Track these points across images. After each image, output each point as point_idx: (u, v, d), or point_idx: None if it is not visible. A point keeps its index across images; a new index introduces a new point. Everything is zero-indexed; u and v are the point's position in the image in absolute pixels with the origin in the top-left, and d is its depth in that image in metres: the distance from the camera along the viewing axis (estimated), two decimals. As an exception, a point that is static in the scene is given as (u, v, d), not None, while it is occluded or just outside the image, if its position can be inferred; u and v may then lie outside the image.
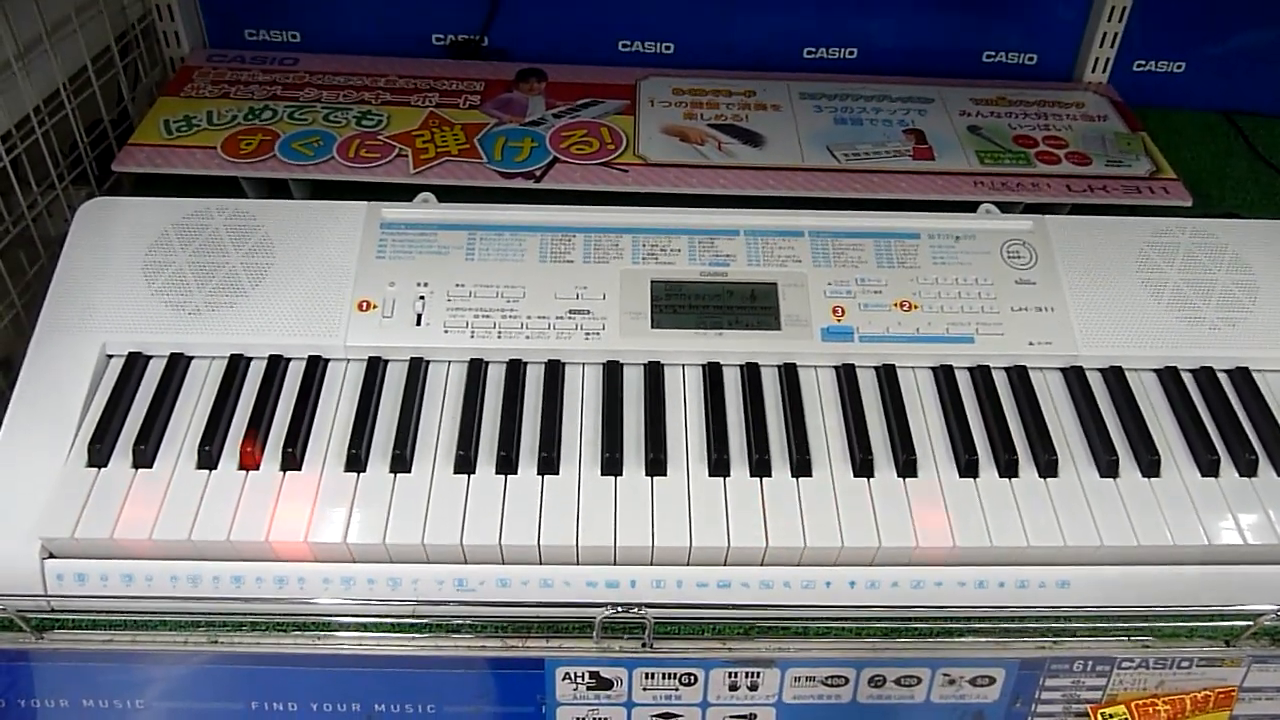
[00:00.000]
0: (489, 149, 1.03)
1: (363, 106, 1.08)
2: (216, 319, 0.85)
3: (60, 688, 0.76)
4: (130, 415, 0.80)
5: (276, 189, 1.04)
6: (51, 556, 0.75)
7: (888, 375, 0.85)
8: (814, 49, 1.20)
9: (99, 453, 0.77)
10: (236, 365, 0.83)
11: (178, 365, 0.83)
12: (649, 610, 0.74)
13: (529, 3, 1.17)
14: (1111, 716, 0.79)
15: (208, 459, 0.78)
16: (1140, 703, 0.79)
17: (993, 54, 1.21)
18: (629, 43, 1.20)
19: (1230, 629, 0.78)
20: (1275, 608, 0.76)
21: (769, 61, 1.19)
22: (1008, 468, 0.79)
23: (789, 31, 1.19)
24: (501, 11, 1.17)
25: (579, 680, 0.77)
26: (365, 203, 0.91)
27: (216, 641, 0.75)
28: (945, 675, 0.79)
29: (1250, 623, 0.77)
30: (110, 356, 0.84)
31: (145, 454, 0.78)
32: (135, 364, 0.83)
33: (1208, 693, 0.80)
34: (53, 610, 0.75)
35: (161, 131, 1.04)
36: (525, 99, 1.11)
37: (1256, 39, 1.20)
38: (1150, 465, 0.80)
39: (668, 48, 1.20)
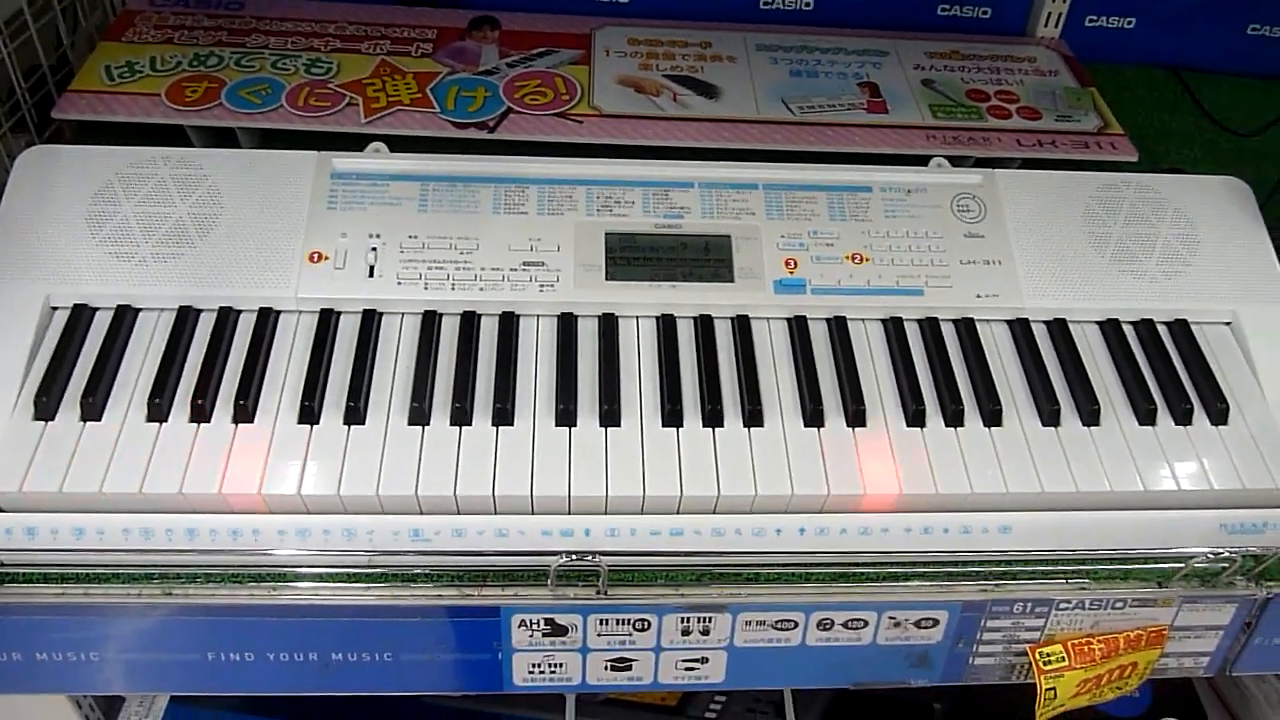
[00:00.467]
0: (441, 98, 1.01)
1: (312, 54, 1.05)
2: (164, 270, 0.83)
3: (12, 641, 0.76)
4: (77, 368, 0.79)
5: (223, 138, 1.02)
6: (0, 510, 0.74)
7: (838, 327, 0.86)
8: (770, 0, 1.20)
9: (45, 405, 0.76)
10: (186, 317, 0.82)
11: (125, 317, 0.82)
12: (603, 558, 0.75)
13: (483, -53, 1.15)
14: (1049, 655, 0.83)
15: (158, 411, 0.77)
16: (1076, 642, 0.83)
17: (947, 7, 1.21)
18: (584, -10, 1.18)
19: (1163, 571, 0.81)
20: (1206, 550, 0.79)
21: (726, 11, 1.18)
22: (953, 417, 0.81)
23: (745, -20, 1.18)
24: (455, -44, 1.15)
25: (534, 627, 0.79)
26: (315, 152, 0.89)
27: (171, 593, 0.75)
28: (891, 618, 0.81)
29: (1182, 565, 0.80)
30: (55, 309, 0.82)
31: (94, 406, 0.77)
32: (81, 316, 0.82)
33: (1140, 632, 0.83)
34: (3, 564, 0.75)
35: (103, 78, 1.01)
36: (479, 48, 1.09)
37: (1204, -6, 1.22)
38: (1090, 414, 0.82)
39: (623, -4, 1.19)
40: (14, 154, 1.01)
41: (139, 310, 0.83)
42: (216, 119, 0.97)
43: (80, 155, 0.88)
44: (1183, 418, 0.83)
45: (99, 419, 0.77)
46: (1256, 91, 1.24)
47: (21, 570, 0.75)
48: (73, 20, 1.13)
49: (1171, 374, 0.85)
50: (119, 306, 0.82)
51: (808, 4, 1.20)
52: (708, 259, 0.88)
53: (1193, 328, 0.89)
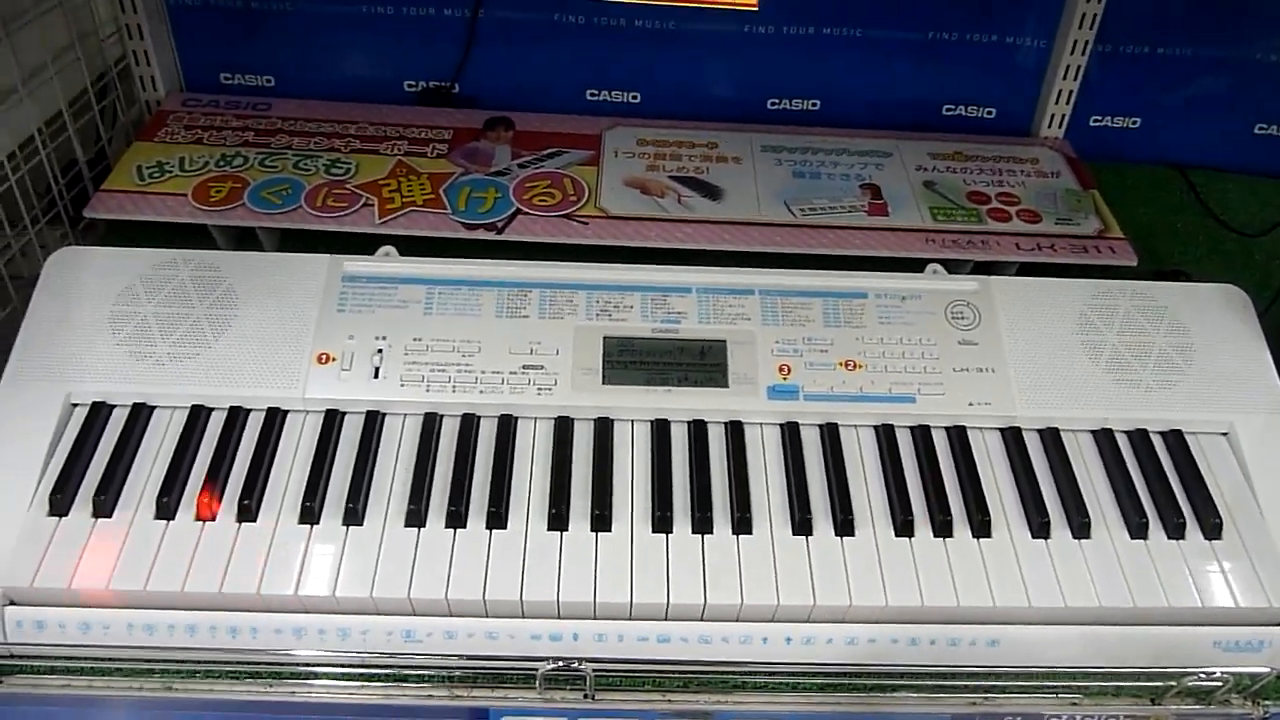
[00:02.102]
0: (454, 199, 1.05)
1: (332, 154, 1.10)
2: (179, 369, 0.87)
3: (19, 731, 0.79)
4: (92, 464, 0.83)
5: (246, 235, 1.07)
6: (12, 604, 0.77)
7: (830, 434, 0.87)
8: (778, 100, 1.23)
9: (60, 502, 0.80)
10: (198, 416, 0.86)
11: (140, 415, 0.86)
12: (589, 664, 0.77)
13: (499, 51, 1.20)
14: (1040, 770, 0.82)
15: (166, 510, 0.80)
16: (1068, 757, 0.82)
17: (952, 107, 1.24)
18: (596, 91, 1.22)
19: (1154, 688, 0.80)
20: (1199, 669, 0.78)
21: (733, 112, 1.21)
22: (942, 528, 0.82)
23: (753, 83, 1.21)
24: (472, 59, 1.20)
25: (522, 730, 0.80)
26: (327, 255, 0.93)
27: (171, 688, 0.78)
28: (879, 730, 0.81)
29: (1174, 683, 0.79)
30: (75, 405, 0.86)
31: (105, 504, 0.80)
32: (99, 413, 0.85)
33: (1134, 749, 0.82)
34: (11, 656, 0.78)
35: (134, 177, 1.06)
36: (492, 148, 1.13)
37: (1209, 94, 1.23)
38: (1081, 527, 0.82)
39: (634, 97, 1.23)
40: (48, 245, 1.07)
41: (154, 408, 0.86)
42: (239, 219, 1.02)
43: (106, 257, 0.93)
44: (1175, 531, 0.83)
45: (110, 516, 0.80)
46: (1264, 191, 1.25)
47: (30, 663, 0.78)
48: (111, 116, 1.20)
49: (1165, 486, 0.85)
50: (135, 404, 0.86)
51: (814, 104, 1.23)
52: (703, 364, 0.90)
53: (1188, 438, 0.89)
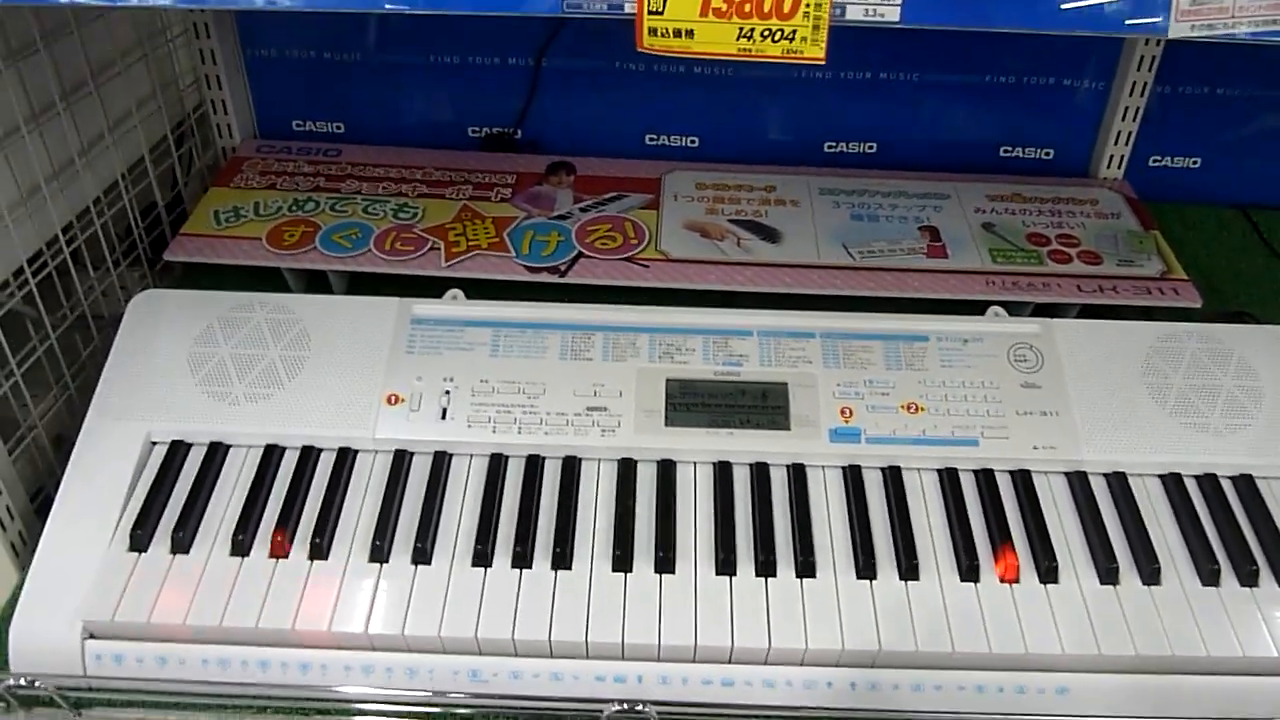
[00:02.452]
0: (517, 243, 1.08)
1: (400, 199, 1.13)
2: (255, 410, 0.90)
3: (96, 763, 0.81)
4: (170, 502, 0.85)
5: (316, 277, 1.10)
6: (92, 637, 0.79)
7: (893, 477, 0.87)
8: (835, 143, 1.24)
9: (139, 538, 0.82)
10: (271, 455, 0.88)
11: (216, 453, 0.88)
12: (653, 707, 0.77)
13: (561, 97, 1.23)
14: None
15: (240, 547, 0.82)
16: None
17: (1010, 149, 1.24)
18: (655, 136, 1.25)
19: (1229, 740, 0.79)
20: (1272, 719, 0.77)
21: (791, 155, 1.23)
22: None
23: (811, 126, 1.23)
24: (534, 105, 1.23)
25: (585, 770, 0.80)
26: (397, 299, 0.96)
27: (243, 722, 0.80)
28: (945, 777, 0.80)
29: (1250, 736, 0.78)
30: (154, 444, 0.89)
31: (183, 541, 0.82)
32: (177, 452, 0.88)
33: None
34: (90, 689, 0.80)
35: (211, 222, 1.10)
36: (554, 192, 1.16)
37: (1268, 133, 1.22)
38: (1151, 574, 0.81)
39: (693, 141, 1.25)
40: (128, 286, 1.11)
41: (229, 446, 0.89)
42: (310, 262, 1.06)
43: (186, 299, 0.96)
44: (1248, 579, 0.81)
45: (187, 552, 0.82)
46: (1329, 230, 1.23)
47: (108, 695, 0.80)
48: (188, 161, 1.24)
49: (1236, 532, 0.84)
50: (212, 443, 0.89)
51: (870, 148, 1.24)
52: (765, 406, 0.90)
53: (1258, 482, 0.87)
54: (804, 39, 0.65)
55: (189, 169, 1.25)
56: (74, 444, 0.98)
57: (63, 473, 0.87)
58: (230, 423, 0.89)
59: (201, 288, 1.03)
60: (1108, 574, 0.81)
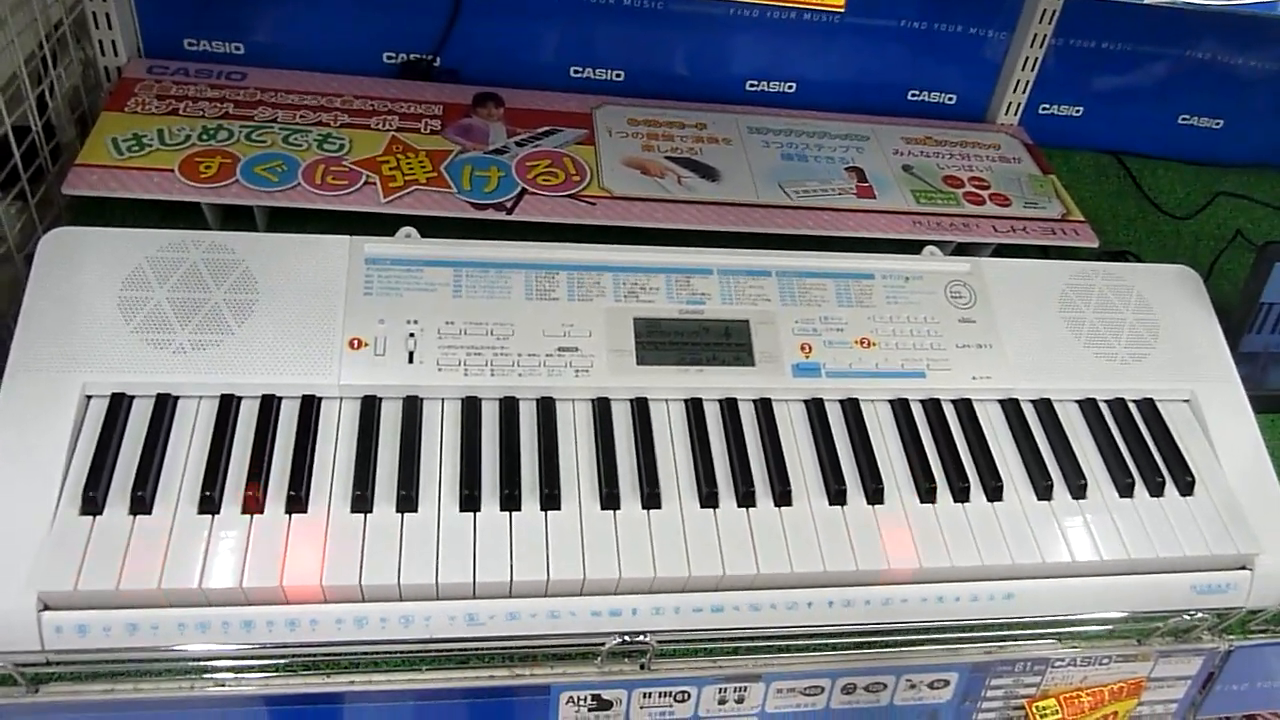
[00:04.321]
0: (457, 178, 1.04)
1: (322, 129, 1.06)
2: (203, 358, 0.84)
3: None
4: (121, 460, 0.79)
5: (234, 213, 1.02)
6: (48, 608, 0.73)
7: (853, 409, 0.92)
8: (756, 81, 1.26)
9: (93, 500, 0.76)
10: (229, 406, 0.83)
11: (165, 406, 0.82)
12: (652, 637, 0.80)
13: (481, 25, 1.18)
14: (1044, 709, 0.91)
15: (210, 504, 0.77)
16: (1067, 696, 0.91)
17: (916, 93, 1.30)
18: (580, 69, 1.22)
19: (1142, 629, 0.90)
20: (1184, 610, 0.88)
21: (714, 92, 1.24)
22: (960, 494, 0.89)
23: (732, 64, 1.24)
24: (455, 31, 1.18)
25: (581, 703, 0.82)
26: (348, 237, 0.91)
27: (225, 685, 0.76)
28: (908, 680, 0.88)
29: (1160, 624, 0.89)
30: (90, 398, 0.82)
31: (144, 500, 0.77)
32: (120, 405, 0.81)
33: (1122, 684, 0.92)
34: (48, 663, 0.74)
35: (111, 151, 1.00)
36: (486, 125, 1.12)
37: (1141, 86, 1.34)
38: (1078, 489, 0.91)
39: (618, 75, 1.23)
40: (5, 221, 0.99)
41: (178, 398, 0.83)
42: (236, 197, 0.98)
43: (107, 238, 0.87)
44: (1156, 490, 0.92)
45: (149, 512, 0.77)
46: (1187, 175, 1.38)
47: (69, 669, 0.74)
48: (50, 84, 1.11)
49: (1144, 450, 0.94)
50: (159, 395, 0.82)
51: (790, 87, 1.27)
52: (729, 343, 0.93)
53: (1159, 406, 0.98)
54: (828, -14, 0.66)
55: (50, 92, 1.12)
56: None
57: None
58: (176, 373, 0.83)
59: (94, 224, 0.93)
60: (1044, 491, 0.90)
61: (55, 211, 1.07)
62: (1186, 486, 0.93)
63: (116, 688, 0.75)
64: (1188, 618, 0.88)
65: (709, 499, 0.84)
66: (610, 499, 0.83)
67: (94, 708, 0.75)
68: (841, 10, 0.66)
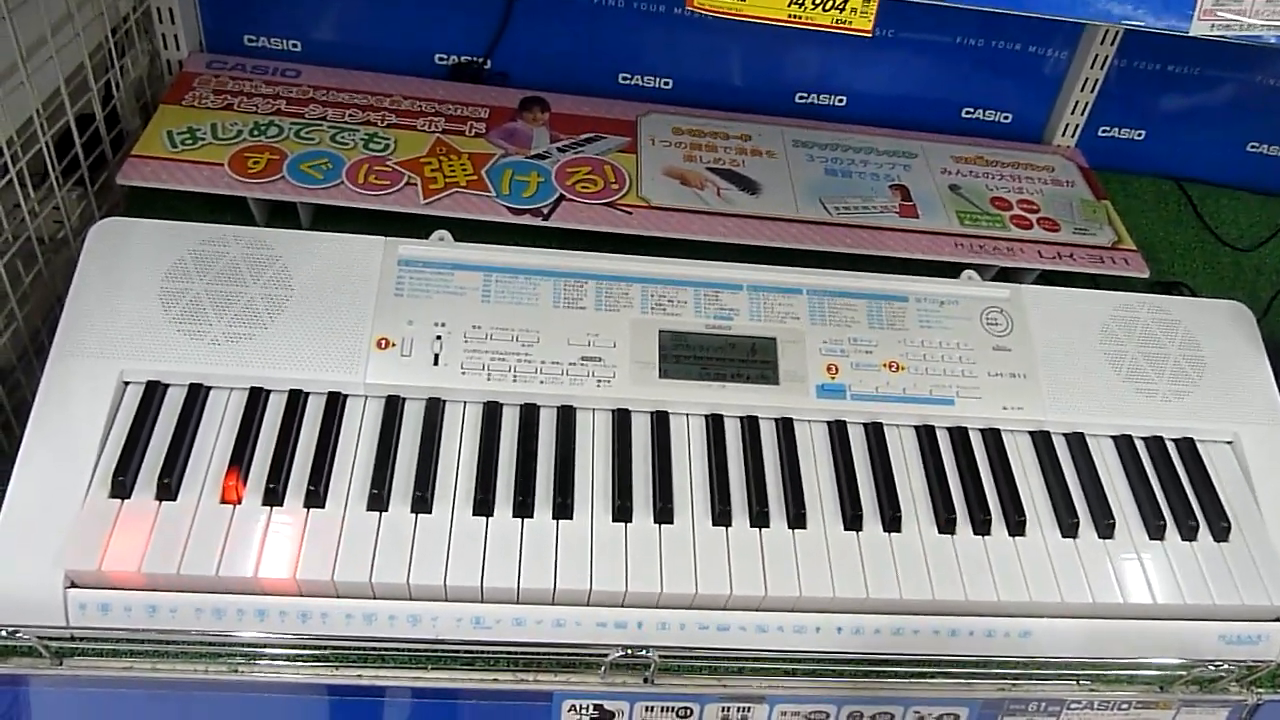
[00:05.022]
0: (496, 182, 1.05)
1: (369, 128, 1.09)
2: (236, 350, 0.86)
3: (81, 713, 0.79)
4: (152, 446, 0.82)
5: (280, 208, 1.05)
6: (74, 586, 0.76)
7: (876, 433, 0.91)
8: (805, 94, 1.25)
9: (122, 484, 0.79)
10: (257, 398, 0.85)
11: (198, 395, 0.85)
12: (654, 652, 0.80)
13: (533, 29, 1.19)
14: (1057, 750, 0.89)
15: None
16: (1083, 739, 0.89)
17: (971, 110, 1.28)
18: (629, 76, 1.23)
19: (1164, 676, 0.87)
20: (1210, 661, 0.85)
21: (762, 103, 1.23)
22: (981, 526, 0.87)
23: (782, 75, 1.23)
24: (506, 35, 1.19)
25: (583, 712, 0.83)
26: (383, 238, 0.93)
27: (237, 670, 0.78)
28: (916, 713, 0.86)
29: (1184, 672, 0.86)
30: (127, 384, 0.85)
31: (170, 487, 0.79)
32: (154, 393, 0.84)
33: (1141, 731, 0.89)
34: (73, 639, 0.77)
35: (165, 143, 1.03)
36: (529, 130, 1.13)
37: (1207, 111, 1.29)
38: (1106, 528, 0.88)
39: (666, 83, 1.23)
40: (66, 208, 1.03)
41: (210, 388, 0.86)
42: (280, 193, 1.01)
43: (153, 230, 0.91)
44: (1189, 534, 0.89)
45: (174, 499, 0.79)
46: (1253, 206, 1.32)
47: (93, 645, 0.77)
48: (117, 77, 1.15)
49: (1179, 492, 0.91)
50: (191, 385, 0.85)
51: (840, 100, 1.26)
52: (754, 360, 0.92)
53: (1198, 446, 0.95)
54: (854, 10, 0.66)
55: (117, 86, 1.16)
56: (18, 377, 0.93)
57: (10, 408, 0.82)
58: (210, 363, 0.86)
59: (149, 214, 0.97)
60: (1069, 529, 0.88)
61: (115, 200, 1.11)
62: (1222, 532, 0.90)
63: (135, 665, 0.78)
64: (1213, 668, 0.85)
65: (722, 517, 0.84)
66: (622, 511, 0.83)
67: (114, 683, 0.78)
68: (869, 35, 0.65)
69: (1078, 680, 0.87)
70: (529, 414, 0.87)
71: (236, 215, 1.05)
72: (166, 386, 0.85)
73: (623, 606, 0.81)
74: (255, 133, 1.06)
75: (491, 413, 0.87)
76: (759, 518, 0.84)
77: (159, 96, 1.14)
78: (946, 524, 0.87)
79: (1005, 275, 1.11)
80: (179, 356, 0.85)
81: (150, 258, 0.89)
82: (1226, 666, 0.86)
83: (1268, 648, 0.87)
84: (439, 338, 0.89)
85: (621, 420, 0.88)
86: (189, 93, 1.10)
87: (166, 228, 0.91)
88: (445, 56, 1.21)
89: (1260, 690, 0.89)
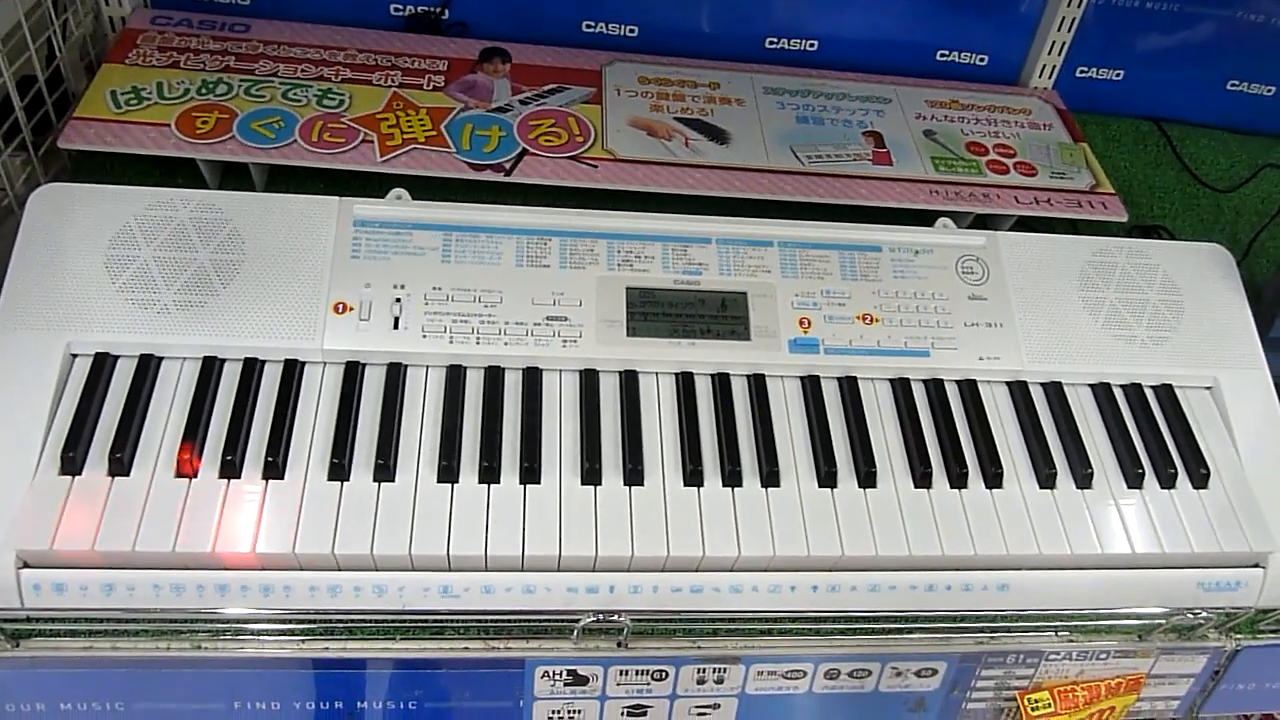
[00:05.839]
0: (456, 137, 1.01)
1: (322, 84, 1.04)
2: (187, 319, 0.83)
3: (38, 693, 0.77)
4: (102, 420, 0.79)
5: (232, 169, 1.01)
6: (26, 566, 0.74)
7: (850, 387, 0.89)
8: (776, 39, 1.21)
9: (72, 461, 0.76)
10: (211, 368, 0.82)
11: (149, 367, 0.82)
12: (627, 616, 0.78)
13: (492, -25, 1.15)
14: (1036, 702, 0.88)
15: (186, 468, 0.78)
16: (1062, 689, 0.88)
17: (946, 53, 1.24)
18: (593, 24, 1.18)
19: (1143, 625, 0.87)
20: (1189, 609, 0.85)
21: (732, 50, 1.19)
22: (958, 480, 0.85)
23: (752, 20, 1.19)
24: (463, -16, 1.15)
25: (557, 678, 0.81)
26: (337, 198, 0.89)
27: (200, 647, 0.77)
28: (893, 668, 0.86)
29: (1163, 620, 0.86)
30: (75, 356, 0.82)
31: (122, 462, 0.77)
32: (104, 365, 0.81)
33: (1120, 680, 0.89)
34: (28, 620, 0.75)
35: (109, 104, 0.99)
36: (490, 81, 1.09)
37: (1187, 48, 1.26)
38: (1084, 478, 0.87)
39: (632, 30, 1.19)
40: (9, 173, 0.99)
41: (162, 359, 0.83)
42: (230, 154, 0.97)
43: (97, 195, 0.87)
44: (1167, 481, 0.88)
45: (127, 474, 0.77)
46: (1233, 145, 1.30)
47: (49, 626, 0.75)
48: (62, 31, 1.10)
49: (1158, 439, 0.90)
50: (142, 356, 0.82)
51: (811, 45, 1.22)
52: (725, 316, 0.90)
53: (1177, 392, 0.94)
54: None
55: (64, 38, 1.11)
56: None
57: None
58: (160, 333, 0.83)
59: (96, 177, 0.93)
60: (1046, 480, 0.87)
61: (62, 165, 1.07)
62: (1201, 479, 0.89)
63: (95, 645, 0.76)
64: (1192, 616, 0.85)
65: (693, 477, 0.82)
66: (591, 474, 0.81)
67: (74, 663, 0.76)
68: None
69: (1056, 631, 0.86)
70: (493, 377, 0.85)
71: (187, 178, 1.01)
72: (116, 358, 0.82)
73: (594, 571, 0.79)
74: (203, 91, 1.01)
75: (454, 376, 0.85)
76: (731, 477, 0.83)
77: (104, 56, 1.09)
78: (922, 478, 0.85)
79: (981, 222, 1.09)
80: (128, 326, 0.82)
81: (94, 224, 0.86)
82: (1205, 614, 0.85)
83: (1246, 594, 0.87)
84: (398, 300, 0.86)
85: (589, 381, 0.86)
86: (133, 50, 1.05)
87: (110, 192, 0.87)
88: (400, 7, 1.16)
89: (1239, 636, 0.88)
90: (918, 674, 0.86)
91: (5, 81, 0.96)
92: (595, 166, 1.02)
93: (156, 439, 0.79)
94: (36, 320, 0.82)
